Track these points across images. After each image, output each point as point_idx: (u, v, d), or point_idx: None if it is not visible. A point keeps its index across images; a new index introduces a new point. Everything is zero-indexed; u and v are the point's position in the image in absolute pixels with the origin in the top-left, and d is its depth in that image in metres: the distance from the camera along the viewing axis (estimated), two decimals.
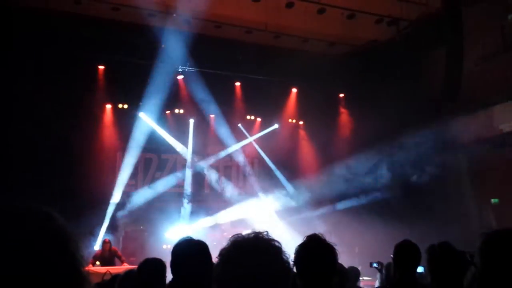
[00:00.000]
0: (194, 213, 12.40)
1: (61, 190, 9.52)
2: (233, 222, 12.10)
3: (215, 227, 12.08)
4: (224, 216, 12.29)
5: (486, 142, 11.14)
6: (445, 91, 11.66)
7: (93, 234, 10.83)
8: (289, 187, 13.55)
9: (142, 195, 12.07)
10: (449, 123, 11.95)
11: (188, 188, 12.80)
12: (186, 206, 12.43)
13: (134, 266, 3.91)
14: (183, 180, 12.88)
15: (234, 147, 13.48)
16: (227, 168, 13.65)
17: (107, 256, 9.56)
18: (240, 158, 13.78)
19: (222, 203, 12.91)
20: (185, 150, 12.91)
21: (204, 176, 13.25)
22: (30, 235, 0.96)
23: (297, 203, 12.90)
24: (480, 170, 11.54)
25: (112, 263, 9.37)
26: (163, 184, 12.57)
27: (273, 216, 12.89)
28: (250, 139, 13.60)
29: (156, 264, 2.93)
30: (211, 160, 13.38)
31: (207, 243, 2.52)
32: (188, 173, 12.91)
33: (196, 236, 2.58)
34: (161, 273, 2.86)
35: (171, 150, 12.73)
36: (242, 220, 12.32)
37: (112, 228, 11.25)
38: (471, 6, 11.24)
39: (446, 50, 11.63)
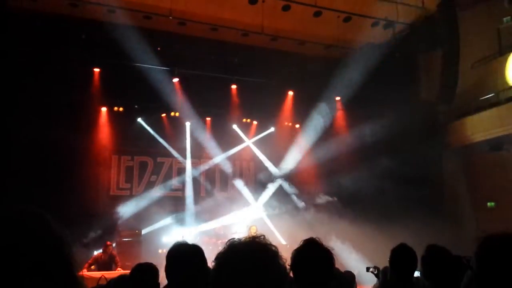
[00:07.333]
0: (189, 217, 12.32)
1: (55, 193, 9.44)
2: (228, 226, 12.04)
3: (210, 231, 12.02)
4: (220, 221, 12.22)
5: (482, 145, 11.16)
6: (441, 93, 11.71)
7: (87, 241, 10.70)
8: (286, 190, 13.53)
9: (137, 199, 12.01)
10: (444, 125, 11.99)
11: (187, 192, 12.75)
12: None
13: (128, 271, 3.86)
14: (179, 184, 12.82)
15: (231, 151, 13.43)
16: (223, 172, 13.58)
17: (107, 260, 9.46)
18: (237, 162, 13.73)
19: (218, 207, 12.84)
20: (181, 154, 12.84)
21: (200, 180, 13.18)
22: (25, 237, 0.94)
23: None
24: (476, 173, 11.57)
25: (109, 268, 9.27)
26: (159, 187, 12.51)
27: (267, 220, 12.84)
28: (247, 142, 13.55)
29: (148, 269, 2.90)
30: (207, 163, 13.31)
31: (202, 247, 2.52)
32: (185, 177, 12.86)
33: (191, 240, 2.55)
34: (153, 278, 2.84)
35: (166, 153, 12.67)
36: (237, 224, 12.28)
37: (107, 232, 11.15)
38: (467, 10, 11.30)
39: (442, 53, 11.70)
